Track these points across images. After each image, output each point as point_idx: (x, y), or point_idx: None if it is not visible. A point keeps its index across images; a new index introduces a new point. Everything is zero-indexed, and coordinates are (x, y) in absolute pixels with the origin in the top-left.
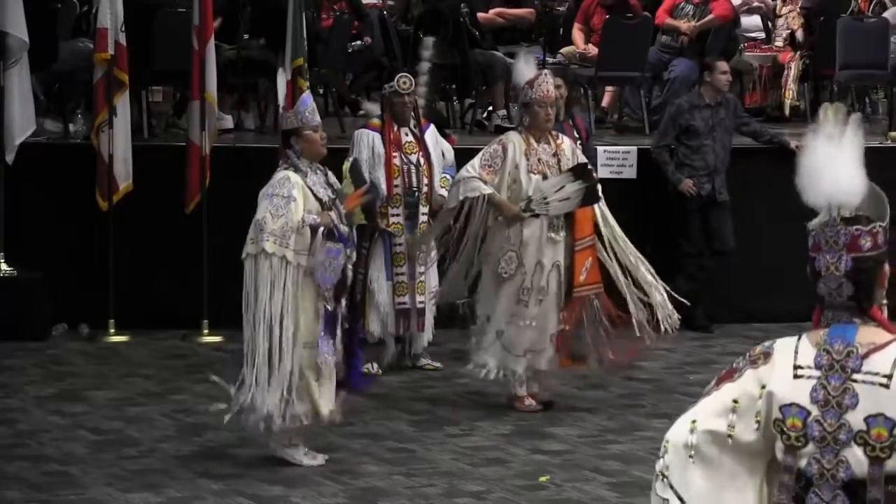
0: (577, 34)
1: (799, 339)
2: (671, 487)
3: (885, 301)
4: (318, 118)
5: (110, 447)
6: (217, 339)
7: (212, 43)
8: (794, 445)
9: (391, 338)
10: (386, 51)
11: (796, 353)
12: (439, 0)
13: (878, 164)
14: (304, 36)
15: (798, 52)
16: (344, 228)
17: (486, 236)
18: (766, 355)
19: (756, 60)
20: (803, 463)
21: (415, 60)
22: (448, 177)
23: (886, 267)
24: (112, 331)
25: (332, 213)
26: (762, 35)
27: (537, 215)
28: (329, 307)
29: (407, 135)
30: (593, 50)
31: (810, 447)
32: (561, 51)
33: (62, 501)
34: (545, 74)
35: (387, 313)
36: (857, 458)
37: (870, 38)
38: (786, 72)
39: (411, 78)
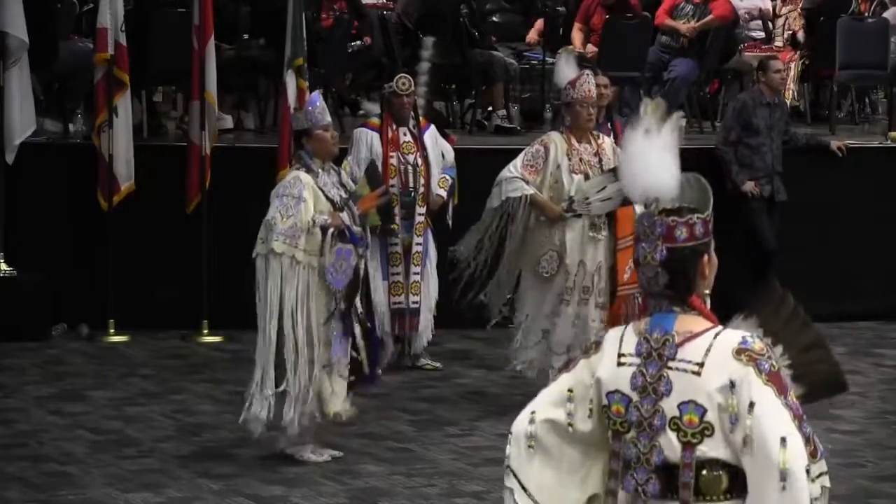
0: (577, 34)
1: (626, 328)
2: (514, 477)
3: (707, 291)
4: (328, 117)
5: (110, 447)
6: (217, 339)
7: (212, 43)
8: (618, 431)
9: (390, 338)
10: (386, 51)
11: (621, 341)
12: (439, 0)
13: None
14: (304, 36)
15: (798, 52)
16: (356, 229)
17: (527, 236)
18: (598, 345)
19: (756, 60)
20: (625, 447)
21: (414, 60)
22: (448, 177)
23: (708, 258)
24: (112, 331)
25: (344, 214)
26: (762, 35)
27: (579, 215)
28: (342, 307)
29: (405, 135)
30: (593, 50)
31: (632, 432)
32: (560, 51)
33: (62, 501)
34: (587, 74)
35: (383, 313)
36: (670, 443)
37: (870, 38)
38: (786, 72)
39: (410, 78)
